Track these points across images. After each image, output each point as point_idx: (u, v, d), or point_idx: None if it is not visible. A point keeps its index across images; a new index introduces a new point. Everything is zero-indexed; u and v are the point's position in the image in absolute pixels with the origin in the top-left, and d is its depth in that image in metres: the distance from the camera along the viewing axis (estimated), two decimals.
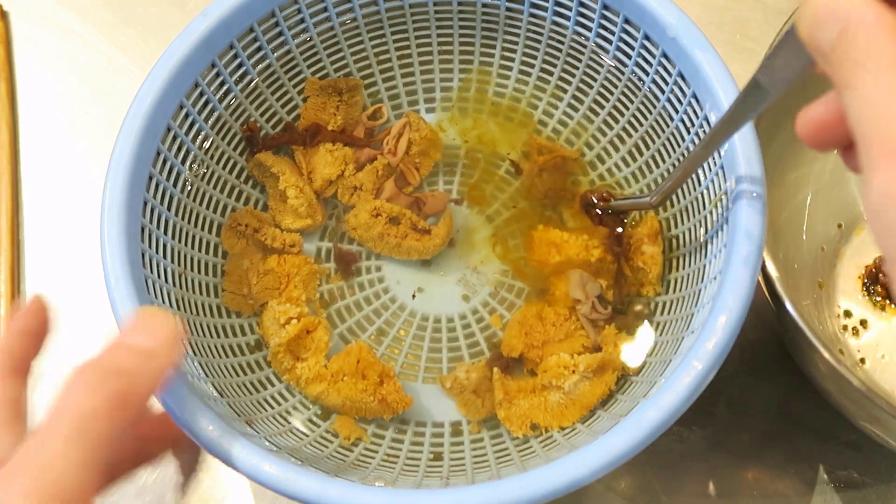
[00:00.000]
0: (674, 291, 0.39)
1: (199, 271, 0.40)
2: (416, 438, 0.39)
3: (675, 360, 0.34)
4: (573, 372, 0.37)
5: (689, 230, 0.39)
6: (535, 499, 0.28)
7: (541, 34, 0.42)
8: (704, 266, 0.36)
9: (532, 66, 0.44)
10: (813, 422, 0.45)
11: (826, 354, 0.35)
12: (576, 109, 0.44)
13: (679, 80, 0.37)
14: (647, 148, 0.42)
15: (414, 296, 0.43)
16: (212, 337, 0.38)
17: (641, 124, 0.42)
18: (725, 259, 0.33)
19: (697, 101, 0.36)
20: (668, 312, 0.39)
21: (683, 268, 0.39)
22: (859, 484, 0.44)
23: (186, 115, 0.38)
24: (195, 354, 0.36)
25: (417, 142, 0.43)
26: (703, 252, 0.37)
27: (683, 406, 0.30)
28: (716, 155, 0.36)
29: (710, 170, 0.37)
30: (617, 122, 0.43)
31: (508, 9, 0.42)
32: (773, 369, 0.46)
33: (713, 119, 0.35)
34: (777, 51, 0.25)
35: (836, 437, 0.44)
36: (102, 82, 0.52)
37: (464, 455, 0.38)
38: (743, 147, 0.34)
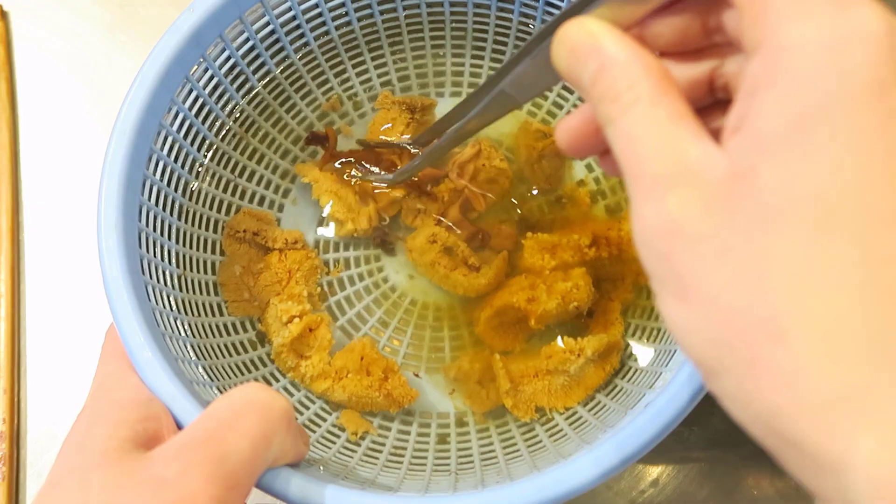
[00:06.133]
0: None
1: (200, 270, 0.39)
2: (423, 430, 0.39)
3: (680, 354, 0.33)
4: (578, 356, 0.37)
5: None
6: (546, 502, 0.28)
7: (533, 18, 0.42)
8: None
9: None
10: None
11: None
12: (571, 91, 0.43)
13: None
14: None
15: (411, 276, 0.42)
16: (214, 337, 0.38)
17: None
18: None
19: None
20: None
21: None
22: None
23: (177, 114, 0.37)
24: (199, 358, 0.36)
25: (486, 169, 0.42)
26: None
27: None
28: None
29: None
30: None
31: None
32: None
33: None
34: (526, 68, 0.26)
35: None
36: (102, 82, 0.52)
37: (471, 445, 0.38)
38: None
